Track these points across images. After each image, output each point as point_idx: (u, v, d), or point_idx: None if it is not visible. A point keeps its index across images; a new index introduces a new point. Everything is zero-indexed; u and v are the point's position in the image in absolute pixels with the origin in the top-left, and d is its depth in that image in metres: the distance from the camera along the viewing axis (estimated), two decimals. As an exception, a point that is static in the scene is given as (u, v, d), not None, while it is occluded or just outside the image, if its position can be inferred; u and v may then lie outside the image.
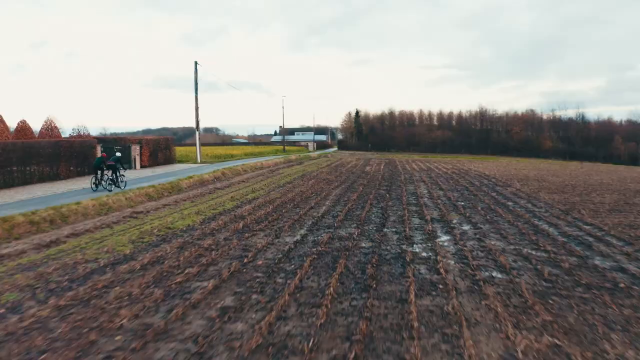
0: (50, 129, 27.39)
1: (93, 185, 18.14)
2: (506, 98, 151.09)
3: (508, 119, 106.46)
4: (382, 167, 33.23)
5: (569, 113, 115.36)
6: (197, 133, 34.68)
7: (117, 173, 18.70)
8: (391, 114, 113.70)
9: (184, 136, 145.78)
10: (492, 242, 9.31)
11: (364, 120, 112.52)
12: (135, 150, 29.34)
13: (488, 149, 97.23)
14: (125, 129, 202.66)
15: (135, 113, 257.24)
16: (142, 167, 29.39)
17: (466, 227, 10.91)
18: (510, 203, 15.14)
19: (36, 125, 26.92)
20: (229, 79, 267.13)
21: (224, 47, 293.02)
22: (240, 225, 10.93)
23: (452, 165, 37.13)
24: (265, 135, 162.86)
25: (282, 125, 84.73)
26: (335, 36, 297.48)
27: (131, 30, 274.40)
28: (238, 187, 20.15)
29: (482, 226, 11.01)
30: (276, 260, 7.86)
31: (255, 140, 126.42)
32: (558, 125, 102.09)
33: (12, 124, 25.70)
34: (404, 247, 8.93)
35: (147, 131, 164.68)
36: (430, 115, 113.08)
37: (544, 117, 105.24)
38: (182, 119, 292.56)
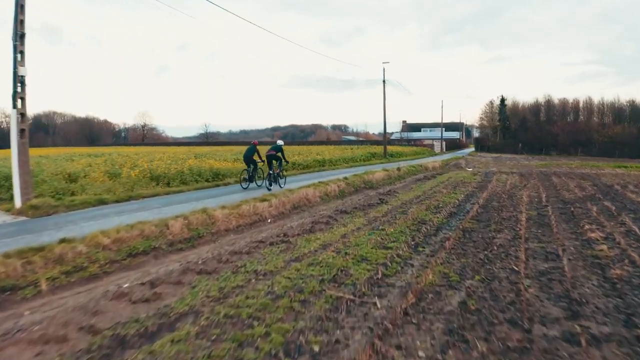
0: None
1: (243, 182, 15.87)
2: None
3: None
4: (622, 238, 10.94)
5: None
6: (14, 118, 10.61)
7: (280, 168, 16.27)
8: (548, 103, 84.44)
9: (310, 133, 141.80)
10: None
11: (512, 111, 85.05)
12: None
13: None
14: (255, 126, 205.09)
15: (269, 112, 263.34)
16: None
17: None
18: None
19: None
20: (365, 77, 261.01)
21: (360, 47, 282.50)
22: None
23: None
24: (389, 133, 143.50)
25: (385, 114, 63.46)
26: (472, 33, 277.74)
27: (269, 32, 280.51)
28: None
29: None
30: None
31: (370, 139, 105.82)
32: None
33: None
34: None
35: (275, 128, 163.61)
36: (602, 104, 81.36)
37: None
38: (312, 117, 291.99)
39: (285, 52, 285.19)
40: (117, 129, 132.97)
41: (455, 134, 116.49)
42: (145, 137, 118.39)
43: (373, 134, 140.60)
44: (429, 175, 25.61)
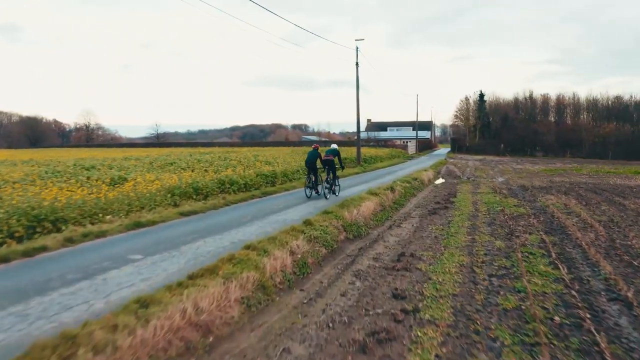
0: None
1: (307, 190, 14.30)
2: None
3: None
4: None
5: None
6: None
7: (335, 173, 14.37)
8: (531, 99, 77.23)
9: (269, 132, 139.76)
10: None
11: (493, 108, 77.45)
12: None
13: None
14: (214, 126, 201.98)
15: (229, 111, 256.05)
16: None
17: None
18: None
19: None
20: (328, 77, 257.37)
21: (325, 46, 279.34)
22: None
23: None
24: (353, 132, 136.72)
25: (358, 105, 55.10)
26: (438, 33, 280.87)
27: (236, 30, 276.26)
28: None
29: None
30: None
31: (333, 139, 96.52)
32: None
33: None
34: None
35: (235, 128, 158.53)
36: (591, 101, 74.19)
37: None
38: (273, 116, 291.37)
39: (249, 50, 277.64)
40: (67, 129, 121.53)
41: (425, 134, 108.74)
42: (90, 137, 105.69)
43: (334, 133, 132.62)
44: (439, 197, 16.04)
